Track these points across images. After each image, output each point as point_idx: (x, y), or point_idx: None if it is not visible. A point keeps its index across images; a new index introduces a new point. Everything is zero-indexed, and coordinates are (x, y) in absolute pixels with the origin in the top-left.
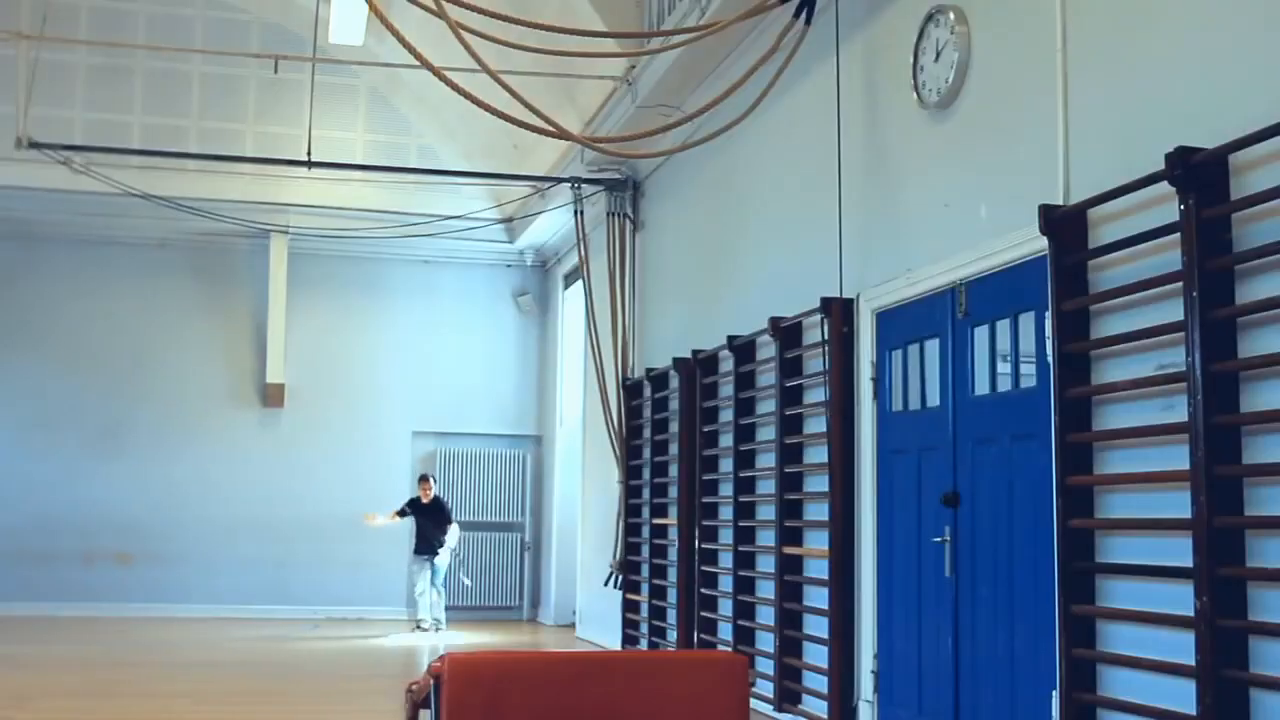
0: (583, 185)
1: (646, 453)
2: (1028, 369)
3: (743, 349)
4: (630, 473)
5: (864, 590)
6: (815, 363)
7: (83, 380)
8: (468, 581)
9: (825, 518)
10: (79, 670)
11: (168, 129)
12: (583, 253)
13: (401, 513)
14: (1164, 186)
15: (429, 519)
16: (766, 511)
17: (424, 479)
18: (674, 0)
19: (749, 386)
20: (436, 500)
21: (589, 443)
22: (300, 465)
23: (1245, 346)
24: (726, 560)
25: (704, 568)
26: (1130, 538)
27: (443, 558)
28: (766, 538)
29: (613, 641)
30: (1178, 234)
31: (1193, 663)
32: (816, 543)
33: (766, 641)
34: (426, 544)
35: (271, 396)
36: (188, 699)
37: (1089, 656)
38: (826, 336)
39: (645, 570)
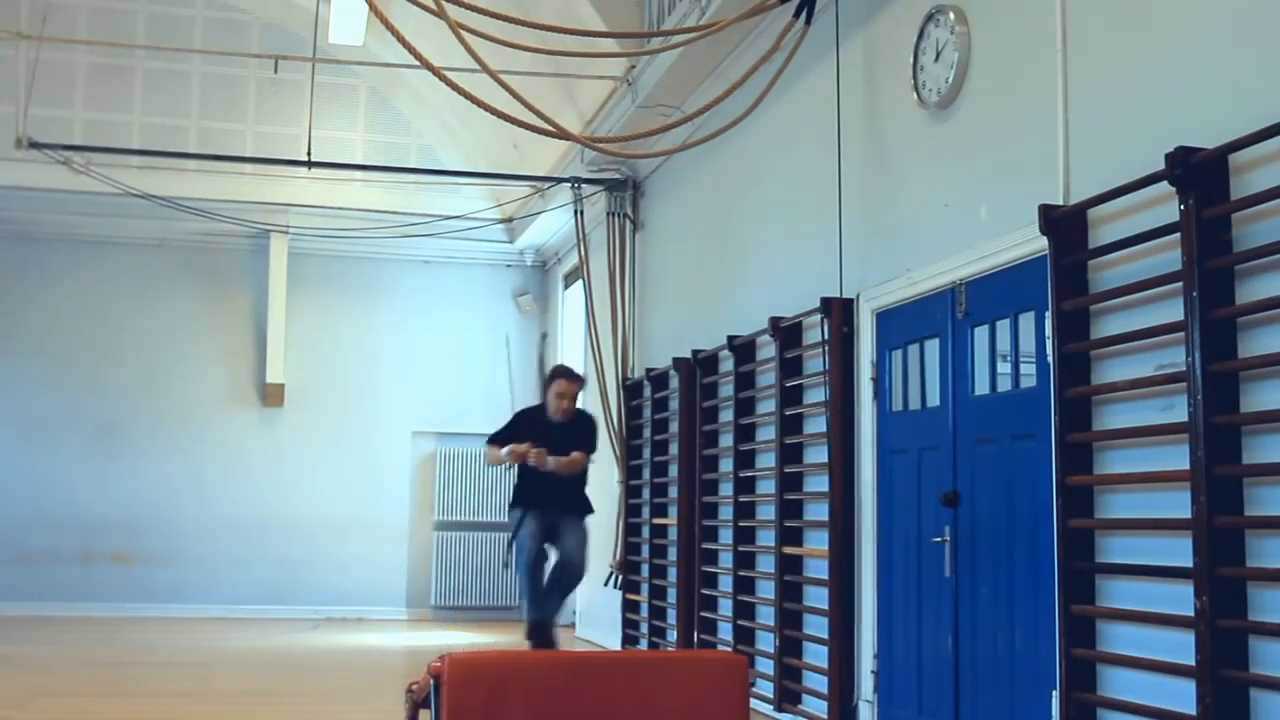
0: (583, 185)
1: (646, 453)
2: (1028, 369)
3: (743, 349)
4: (630, 473)
5: (864, 590)
6: (815, 363)
7: (82, 380)
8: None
9: (825, 518)
10: (78, 670)
11: (167, 129)
12: (583, 253)
13: (508, 437)
14: (1164, 186)
15: (564, 450)
16: (766, 511)
17: (562, 376)
18: (674, 0)
19: (749, 386)
20: (584, 417)
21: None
22: (300, 465)
23: (1245, 346)
24: (726, 560)
25: (704, 568)
26: (1130, 538)
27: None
28: (766, 538)
29: (613, 641)
30: (1178, 234)
31: (1193, 663)
32: (816, 543)
33: (766, 641)
34: (558, 494)
35: (271, 396)
36: (188, 699)
37: (1089, 656)
38: (826, 336)
39: (645, 570)
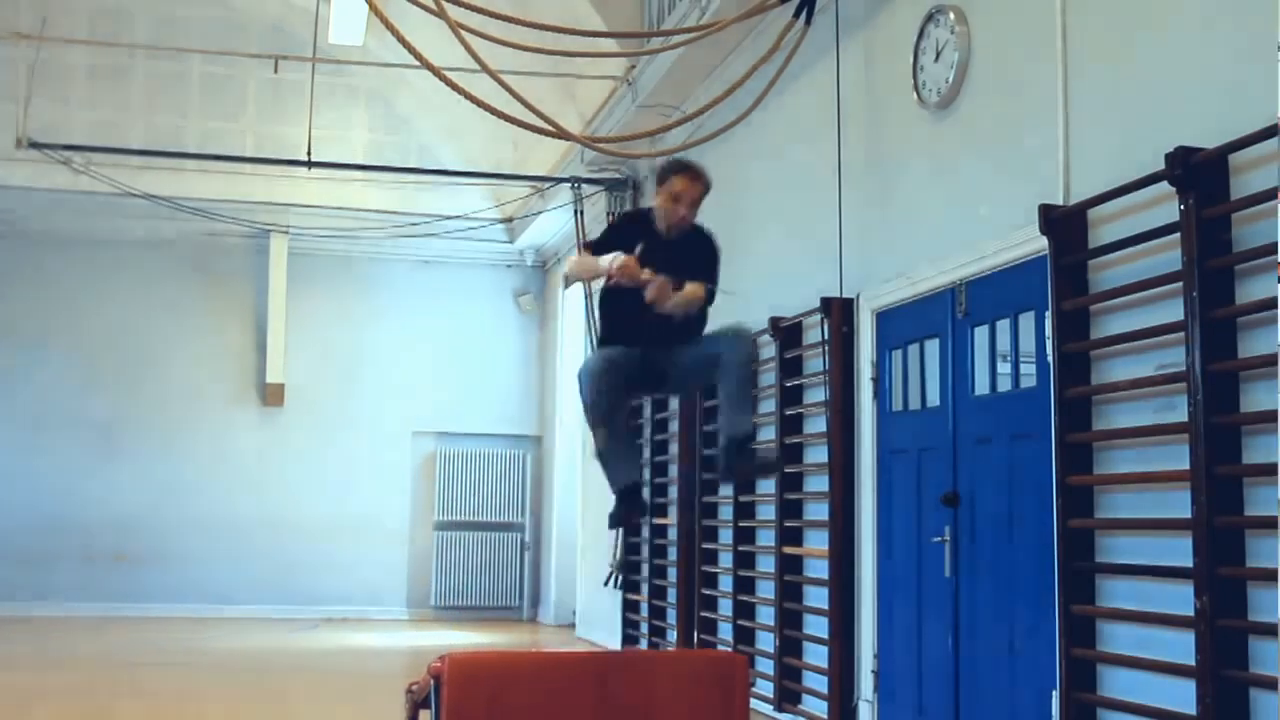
0: (583, 185)
1: (647, 453)
2: (1028, 369)
3: None
4: None
5: (864, 590)
6: (815, 363)
7: (82, 380)
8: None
9: (825, 518)
10: (79, 670)
11: (168, 129)
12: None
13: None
14: (1164, 186)
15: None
16: (766, 511)
17: (680, 172)
18: (674, 0)
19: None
20: (704, 236)
21: (589, 443)
22: (300, 465)
23: (1245, 346)
24: (726, 560)
25: (704, 568)
26: (1130, 538)
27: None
28: (766, 538)
29: (613, 641)
30: (1178, 234)
31: (1193, 663)
32: (816, 543)
33: (766, 641)
34: (672, 329)
35: (271, 396)
36: (188, 699)
37: (1089, 656)
38: (826, 336)
39: (645, 570)
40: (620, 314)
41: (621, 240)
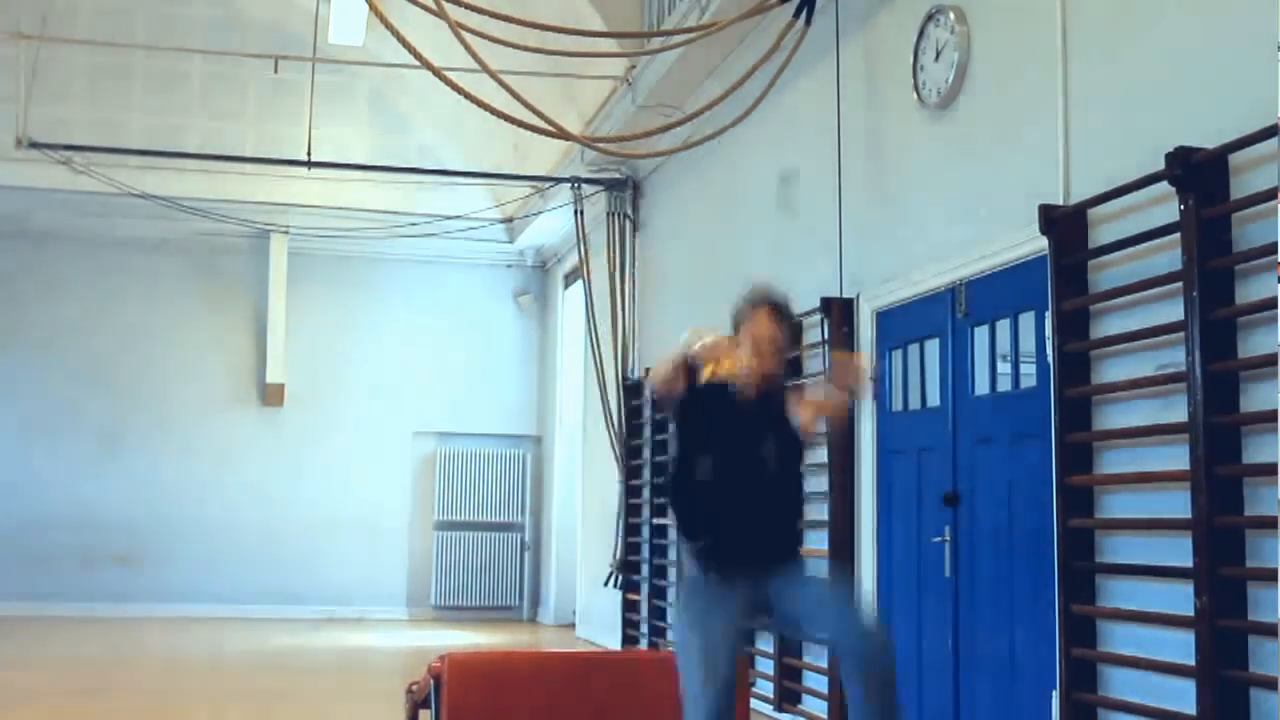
0: (583, 185)
1: (646, 452)
2: (1028, 369)
3: None
4: (630, 473)
5: (864, 590)
6: (815, 363)
7: (82, 380)
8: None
9: (825, 518)
10: (79, 670)
11: (168, 129)
12: (583, 253)
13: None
14: (1164, 186)
15: (755, 444)
16: None
17: (764, 304)
18: (674, 0)
19: None
20: (775, 394)
21: (589, 443)
22: (300, 465)
23: (1245, 346)
24: None
25: None
26: (1130, 538)
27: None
28: None
29: (613, 641)
30: (1178, 234)
31: (1193, 663)
32: (816, 543)
33: (766, 641)
34: (774, 525)
35: (271, 396)
36: (188, 699)
37: (1089, 656)
38: (827, 336)
39: (645, 570)
40: (723, 501)
41: (704, 405)
